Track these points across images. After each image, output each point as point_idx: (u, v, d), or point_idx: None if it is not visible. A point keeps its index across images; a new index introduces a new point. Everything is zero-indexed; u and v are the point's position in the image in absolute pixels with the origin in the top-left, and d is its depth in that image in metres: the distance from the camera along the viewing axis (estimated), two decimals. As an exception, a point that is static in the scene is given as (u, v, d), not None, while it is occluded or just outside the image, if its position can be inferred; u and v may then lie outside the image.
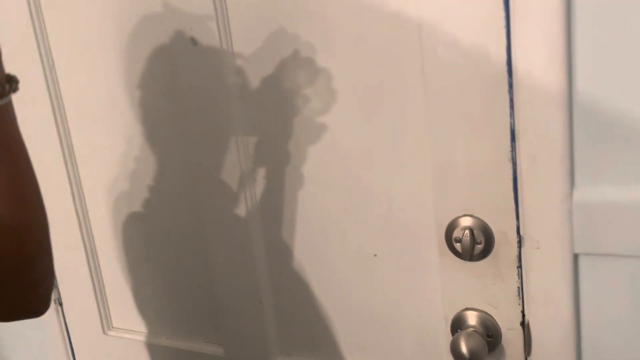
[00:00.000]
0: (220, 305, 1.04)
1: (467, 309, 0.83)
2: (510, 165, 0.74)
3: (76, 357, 1.27)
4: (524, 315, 0.79)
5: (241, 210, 0.96)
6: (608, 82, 0.68)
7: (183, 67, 0.93)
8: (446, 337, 0.85)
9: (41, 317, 1.29)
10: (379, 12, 0.77)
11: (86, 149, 1.10)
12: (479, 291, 0.81)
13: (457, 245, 0.80)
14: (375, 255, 0.88)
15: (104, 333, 1.21)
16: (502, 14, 0.69)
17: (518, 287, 0.79)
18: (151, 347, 1.15)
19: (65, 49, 1.05)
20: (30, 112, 1.12)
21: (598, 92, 0.69)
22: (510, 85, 0.71)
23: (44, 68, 1.07)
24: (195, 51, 0.90)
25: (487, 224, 0.78)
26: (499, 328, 0.81)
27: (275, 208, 0.94)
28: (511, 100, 0.72)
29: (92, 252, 1.17)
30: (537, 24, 0.68)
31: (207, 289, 1.05)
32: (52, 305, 1.24)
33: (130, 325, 1.18)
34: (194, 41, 0.90)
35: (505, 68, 0.71)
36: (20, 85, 1.09)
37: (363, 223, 0.88)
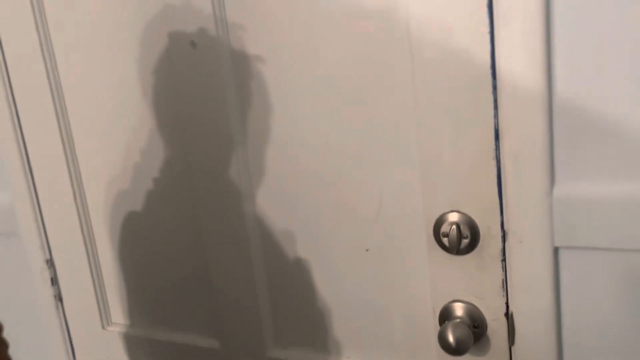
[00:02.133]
0: (216, 299, 1.07)
1: (454, 300, 0.86)
2: (494, 162, 0.78)
3: (75, 352, 1.29)
4: (507, 306, 0.83)
5: (237, 206, 0.99)
6: (585, 84, 0.72)
7: (183, 69, 0.96)
8: (434, 328, 0.88)
9: (41, 313, 1.31)
10: (370, 12, 0.81)
11: (87, 147, 1.13)
12: (466, 283, 0.85)
13: (445, 240, 0.83)
14: (367, 250, 0.92)
15: (103, 328, 1.23)
16: (486, 20, 0.74)
17: (502, 280, 0.82)
18: (149, 341, 1.18)
19: (67, 46, 1.09)
20: (32, 111, 1.15)
21: (576, 93, 0.73)
22: (494, 87, 0.76)
23: (46, 68, 1.10)
24: (195, 54, 0.94)
25: (473, 219, 0.82)
26: (485, 319, 0.85)
27: (270, 204, 0.97)
28: (495, 100, 0.76)
29: (91, 248, 1.19)
30: (519, 29, 0.72)
31: (204, 283, 1.08)
32: (52, 301, 1.27)
33: (129, 320, 1.21)
34: (193, 44, 0.93)
35: (489, 71, 0.75)
36: (23, 83, 1.11)
37: (355, 219, 0.91)
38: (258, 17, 0.89)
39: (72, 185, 1.16)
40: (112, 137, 1.09)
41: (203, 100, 0.96)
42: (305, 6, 0.85)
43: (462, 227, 0.82)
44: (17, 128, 1.18)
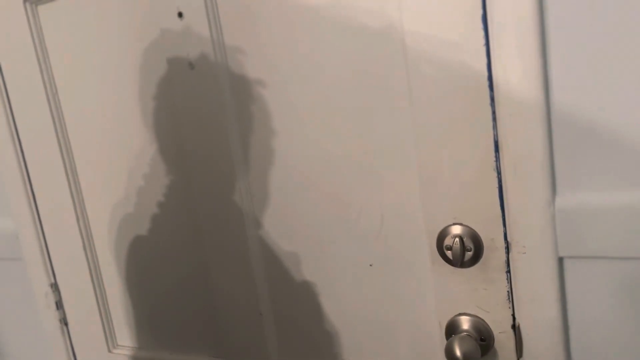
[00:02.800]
0: (221, 319, 1.07)
1: (460, 314, 0.86)
2: (495, 174, 0.78)
3: (82, 376, 1.29)
4: (514, 318, 0.82)
5: (240, 225, 0.99)
6: (582, 93, 0.72)
7: (183, 94, 0.97)
8: (441, 342, 0.88)
9: (46, 337, 1.31)
10: (366, 30, 0.82)
11: (89, 172, 1.14)
12: (471, 296, 0.84)
13: (448, 253, 0.83)
14: (370, 265, 0.92)
15: (109, 351, 1.23)
16: (482, 33, 0.74)
17: (508, 291, 0.82)
18: (155, 363, 1.18)
19: (68, 74, 1.10)
20: (34, 137, 1.16)
21: (574, 103, 0.73)
22: (492, 99, 0.76)
23: (47, 94, 1.11)
24: (194, 78, 0.94)
25: (475, 232, 0.82)
26: (492, 331, 0.84)
27: (274, 223, 0.97)
28: (493, 113, 0.76)
29: (96, 272, 1.20)
30: (514, 41, 0.72)
31: (208, 303, 1.08)
32: (58, 325, 1.26)
33: (134, 342, 1.21)
34: (191, 66, 0.94)
35: (486, 83, 0.76)
36: (25, 110, 1.11)
37: (358, 235, 0.91)
38: (255, 40, 0.90)
39: (75, 209, 1.16)
40: (115, 162, 1.09)
41: (204, 124, 0.96)
42: (302, 27, 0.86)
43: (465, 239, 0.82)
44: (20, 154, 1.19)
